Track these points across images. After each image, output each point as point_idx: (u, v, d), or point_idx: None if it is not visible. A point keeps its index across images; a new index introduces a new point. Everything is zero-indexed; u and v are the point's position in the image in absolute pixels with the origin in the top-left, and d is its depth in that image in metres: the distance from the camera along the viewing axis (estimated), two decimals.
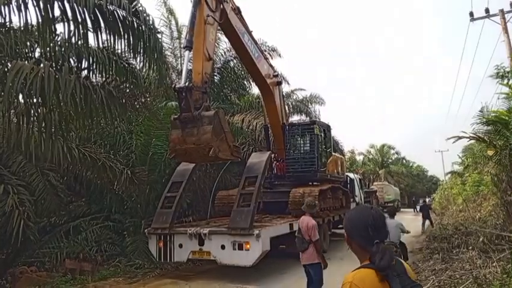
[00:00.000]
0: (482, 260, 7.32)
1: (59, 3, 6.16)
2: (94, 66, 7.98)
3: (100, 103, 6.52)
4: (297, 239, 6.37)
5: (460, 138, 10.90)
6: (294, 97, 20.12)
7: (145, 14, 7.40)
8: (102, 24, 6.69)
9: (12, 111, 6.57)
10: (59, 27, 7.51)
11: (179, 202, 9.50)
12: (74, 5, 6.12)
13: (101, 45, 7.10)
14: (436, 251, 9.72)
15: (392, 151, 55.43)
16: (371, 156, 52.92)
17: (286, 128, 12.39)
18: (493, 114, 10.22)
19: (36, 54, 8.07)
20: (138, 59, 7.85)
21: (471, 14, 16.10)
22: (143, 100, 9.25)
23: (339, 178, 14.00)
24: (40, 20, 6.16)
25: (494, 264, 6.82)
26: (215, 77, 16.24)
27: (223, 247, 8.08)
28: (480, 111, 10.89)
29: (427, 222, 18.37)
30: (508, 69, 10.80)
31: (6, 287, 7.68)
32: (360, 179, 20.19)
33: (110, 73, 8.19)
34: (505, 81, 10.50)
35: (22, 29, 6.47)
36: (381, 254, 1.57)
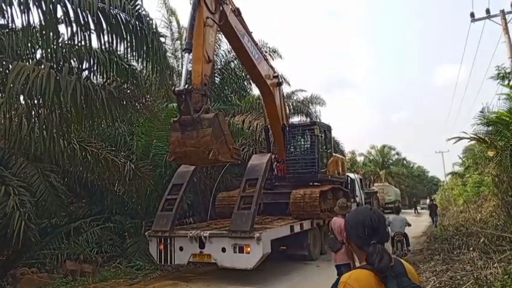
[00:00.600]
0: (483, 261, 7.32)
1: (62, 6, 6.18)
2: (95, 67, 8.00)
3: (101, 104, 6.53)
4: (330, 239, 6.49)
5: (460, 139, 10.89)
6: (295, 98, 20.12)
7: (148, 18, 7.42)
8: (104, 27, 6.70)
9: (13, 112, 6.58)
10: (60, 28, 7.54)
11: (180, 205, 9.48)
12: (78, 8, 6.14)
13: (103, 47, 7.12)
14: (437, 252, 9.71)
15: (393, 152, 55.49)
16: (371, 157, 52.95)
17: (287, 129, 12.38)
18: (494, 115, 10.22)
19: (38, 56, 8.10)
20: (140, 61, 7.86)
21: (472, 14, 16.10)
22: (144, 101, 9.25)
23: (340, 179, 13.98)
24: (43, 22, 6.17)
25: (495, 265, 6.81)
26: (216, 78, 16.25)
27: (223, 250, 8.08)
28: (481, 111, 10.89)
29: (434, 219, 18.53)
30: (508, 70, 10.81)
31: None
32: (360, 179, 20.16)
33: (111, 74, 8.21)
34: (506, 82, 10.51)
35: (24, 30, 6.49)
36: (379, 256, 1.56)
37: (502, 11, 15.23)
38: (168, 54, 15.32)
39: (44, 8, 6.00)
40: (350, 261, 6.03)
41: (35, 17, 6.15)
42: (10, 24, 6.61)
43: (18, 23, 6.51)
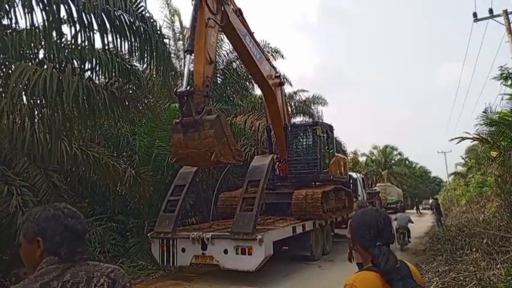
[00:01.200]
0: (486, 262, 7.30)
1: (65, 7, 6.19)
2: (97, 68, 8.02)
3: (103, 104, 6.54)
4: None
5: (463, 139, 10.89)
6: (297, 98, 20.13)
7: (152, 20, 7.43)
8: (108, 28, 6.71)
9: (16, 112, 6.60)
10: (63, 29, 7.56)
11: (182, 206, 9.50)
12: (81, 8, 6.15)
13: (106, 47, 7.13)
14: (439, 253, 9.69)
15: (395, 152, 55.34)
16: (373, 158, 52.80)
17: (289, 129, 12.36)
18: (497, 115, 10.19)
19: (40, 56, 8.11)
20: (144, 62, 7.87)
21: (474, 14, 16.05)
22: (146, 101, 9.27)
23: (342, 178, 13.97)
24: (46, 22, 6.18)
25: (498, 266, 6.80)
26: (218, 79, 16.27)
27: (226, 251, 8.09)
28: (484, 112, 10.87)
29: (435, 218, 18.54)
30: (511, 71, 10.76)
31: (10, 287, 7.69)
32: (363, 178, 20.12)
33: (113, 74, 8.22)
34: (509, 82, 10.47)
35: (27, 30, 6.51)
36: (385, 258, 1.56)
37: (505, 11, 15.16)
38: (170, 54, 15.36)
39: (48, 8, 6.02)
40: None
41: (39, 17, 6.16)
42: (14, 25, 6.65)
43: (21, 23, 6.54)
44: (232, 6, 8.99)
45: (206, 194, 12.59)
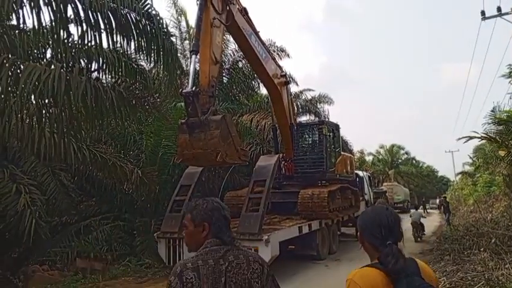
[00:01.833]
0: (495, 262, 7.24)
1: (72, 5, 6.23)
2: (104, 67, 8.06)
3: (111, 104, 6.58)
4: None
5: (471, 138, 10.79)
6: (303, 97, 20.08)
7: (158, 18, 7.44)
8: (114, 27, 6.74)
9: (24, 111, 6.66)
10: (71, 28, 7.61)
11: None
12: (87, 7, 6.19)
13: (112, 47, 7.16)
14: (447, 252, 9.62)
15: (402, 151, 55.00)
16: (380, 157, 52.53)
17: (295, 128, 12.34)
18: (505, 114, 10.10)
19: (48, 55, 8.18)
20: (150, 61, 7.90)
21: (482, 12, 15.88)
22: (152, 101, 9.30)
23: (348, 177, 13.92)
24: (53, 22, 6.23)
25: (506, 266, 6.74)
26: (224, 78, 16.29)
27: None
28: (492, 111, 10.79)
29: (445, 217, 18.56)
30: None
31: (19, 285, 7.78)
32: (369, 177, 20.02)
33: (120, 74, 8.26)
34: None
35: (34, 30, 6.56)
36: (395, 257, 1.53)
37: None
38: (177, 54, 15.42)
39: (55, 8, 6.06)
40: None
41: (46, 17, 6.21)
42: (21, 25, 6.70)
43: (28, 23, 6.60)
44: (237, 6, 8.95)
45: (212, 193, 12.60)
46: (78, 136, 7.52)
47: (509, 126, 9.81)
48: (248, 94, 17.78)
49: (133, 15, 6.97)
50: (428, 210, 39.01)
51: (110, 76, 8.27)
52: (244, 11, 9.32)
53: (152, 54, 7.69)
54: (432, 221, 24.21)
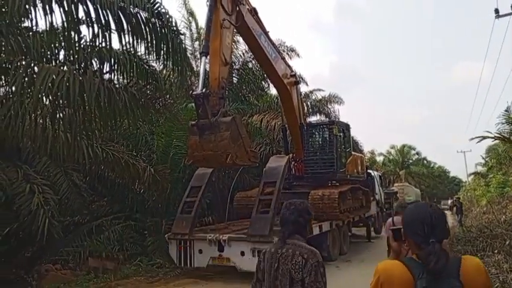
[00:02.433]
0: (509, 264, 7.12)
1: (83, 5, 6.29)
2: (116, 68, 8.13)
3: (123, 105, 6.64)
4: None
5: (484, 138, 10.67)
6: (313, 97, 19.99)
7: (168, 16, 7.46)
8: (125, 26, 6.79)
9: (38, 112, 6.76)
10: (82, 30, 7.68)
11: (199, 207, 9.55)
12: (98, 7, 6.25)
13: (123, 47, 7.22)
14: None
15: (413, 151, 54.51)
16: (391, 157, 52.18)
17: (305, 128, 12.28)
18: None
19: (61, 57, 8.27)
20: (161, 60, 7.92)
21: (496, 10, 15.64)
22: (164, 102, 9.36)
23: (359, 178, 13.81)
24: (65, 23, 6.30)
25: None
26: (234, 78, 16.32)
27: (242, 254, 8.11)
28: (505, 110, 10.62)
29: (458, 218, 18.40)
30: None
31: (32, 284, 7.89)
32: (380, 176, 19.84)
33: (132, 75, 8.32)
34: None
35: (47, 31, 6.65)
36: (436, 256, 1.51)
37: None
38: (188, 54, 15.49)
39: (66, 8, 6.13)
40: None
41: (58, 18, 6.27)
42: (34, 27, 6.79)
43: (41, 24, 6.68)
44: (247, 6, 8.95)
45: (222, 193, 12.65)
46: (91, 135, 7.59)
47: None
48: (258, 94, 17.79)
49: (143, 14, 6.99)
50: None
51: (122, 77, 8.33)
52: (253, 11, 9.31)
53: (162, 53, 7.71)
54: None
